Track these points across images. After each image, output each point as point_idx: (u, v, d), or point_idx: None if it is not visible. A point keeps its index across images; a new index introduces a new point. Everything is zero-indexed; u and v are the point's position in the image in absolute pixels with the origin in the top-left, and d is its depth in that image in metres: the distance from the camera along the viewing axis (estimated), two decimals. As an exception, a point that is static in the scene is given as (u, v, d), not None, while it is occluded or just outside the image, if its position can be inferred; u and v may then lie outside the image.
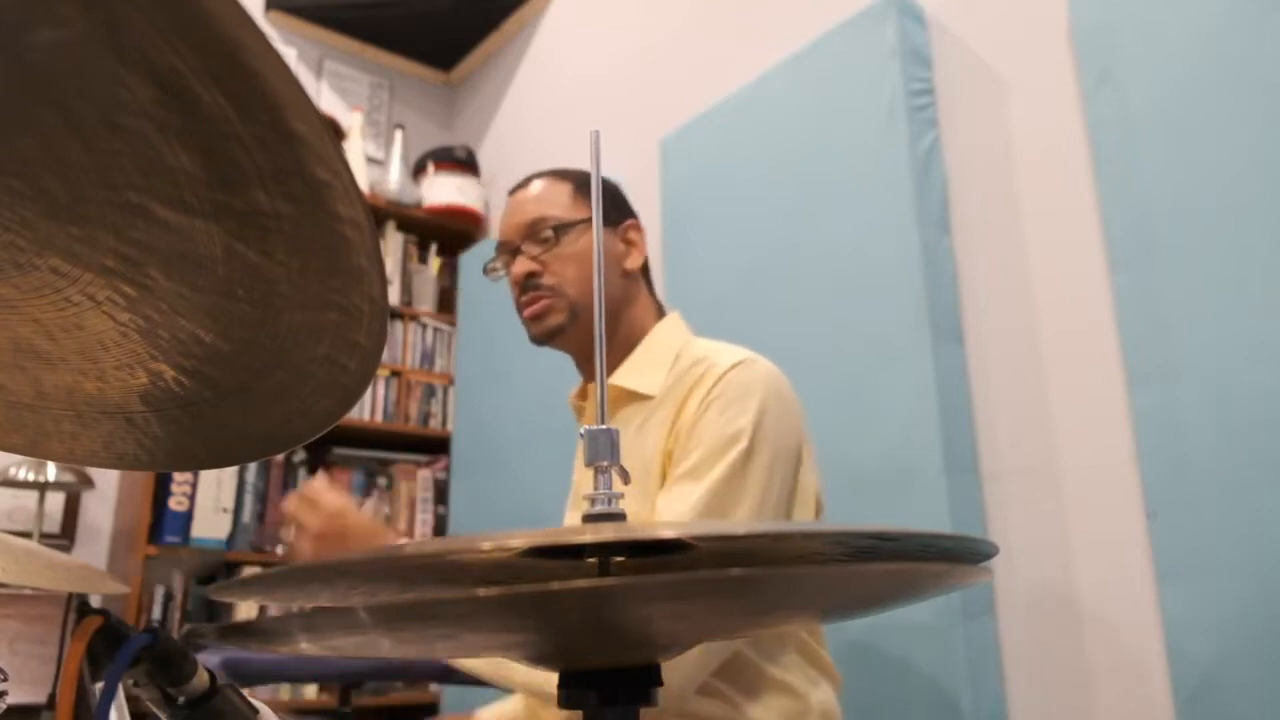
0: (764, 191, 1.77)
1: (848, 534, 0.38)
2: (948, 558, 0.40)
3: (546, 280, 1.14)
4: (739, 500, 0.97)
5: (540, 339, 1.17)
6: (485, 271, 1.24)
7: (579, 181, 1.19)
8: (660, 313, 1.21)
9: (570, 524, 1.24)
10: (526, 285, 1.15)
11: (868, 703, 1.38)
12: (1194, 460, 1.15)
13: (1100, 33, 1.34)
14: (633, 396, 1.11)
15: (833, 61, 1.68)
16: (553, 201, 1.16)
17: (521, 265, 1.15)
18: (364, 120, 2.93)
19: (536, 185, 1.19)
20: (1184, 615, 1.14)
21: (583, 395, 1.21)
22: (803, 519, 1.08)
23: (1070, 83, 1.40)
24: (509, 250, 1.18)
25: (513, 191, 1.21)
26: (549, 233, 1.14)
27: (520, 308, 1.17)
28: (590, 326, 1.15)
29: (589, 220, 1.15)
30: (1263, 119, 1.15)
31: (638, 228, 1.21)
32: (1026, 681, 1.32)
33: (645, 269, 1.22)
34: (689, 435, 1.01)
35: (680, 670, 0.91)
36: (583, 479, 1.22)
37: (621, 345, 1.16)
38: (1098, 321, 1.31)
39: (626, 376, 1.12)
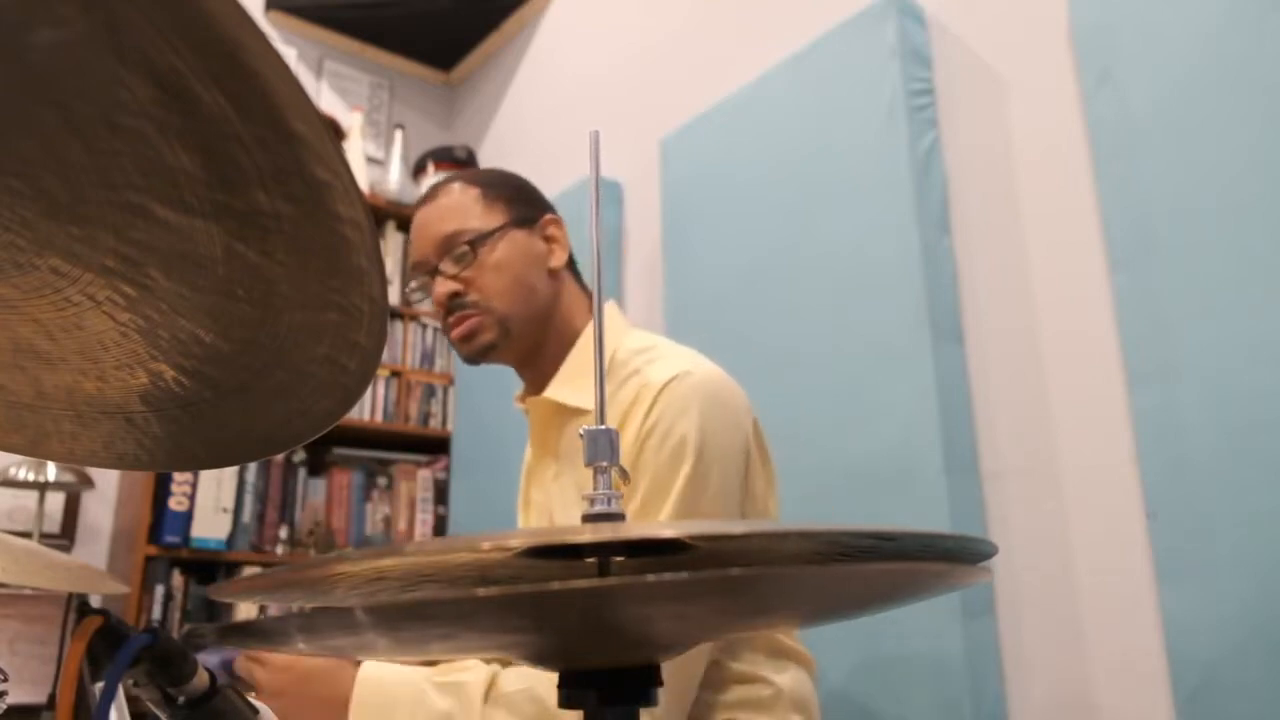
0: (764, 191, 1.77)
1: (848, 534, 0.38)
2: (948, 558, 0.40)
3: (470, 297, 1.09)
4: (695, 515, 0.95)
5: (472, 359, 1.12)
6: (405, 295, 1.20)
7: (487, 184, 1.14)
8: (591, 305, 1.17)
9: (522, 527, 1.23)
10: (451, 306, 1.10)
11: (868, 702, 1.38)
12: (1194, 460, 1.15)
13: (1100, 33, 1.34)
14: (570, 410, 1.07)
15: (833, 61, 1.68)
16: (464, 212, 1.11)
17: (443, 286, 1.10)
18: (364, 120, 2.93)
19: (443, 198, 1.13)
20: (1184, 615, 1.14)
21: (523, 399, 1.17)
22: (757, 517, 1.06)
23: (1070, 83, 1.40)
24: (426, 270, 1.12)
25: (419, 205, 1.15)
26: (464, 248, 1.09)
27: (446, 329, 1.13)
28: (524, 336, 1.11)
29: (504, 227, 1.10)
30: (1263, 119, 1.15)
31: (558, 222, 1.16)
32: (1026, 681, 1.32)
33: (571, 261, 1.17)
34: (631, 471, 0.97)
35: (670, 689, 0.91)
36: (530, 482, 1.18)
37: (556, 349, 1.12)
38: (1098, 321, 1.31)
39: (561, 389, 1.09)
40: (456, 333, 1.11)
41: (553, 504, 1.10)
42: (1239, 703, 1.07)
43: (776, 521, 1.08)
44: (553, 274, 1.13)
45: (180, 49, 0.28)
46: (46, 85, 0.30)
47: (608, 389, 1.03)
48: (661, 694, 0.90)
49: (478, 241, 1.09)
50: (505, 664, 0.98)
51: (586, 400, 1.05)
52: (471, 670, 0.95)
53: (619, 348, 1.08)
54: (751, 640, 1.04)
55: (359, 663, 0.99)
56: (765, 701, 1.01)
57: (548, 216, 1.16)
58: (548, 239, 1.15)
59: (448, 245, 1.10)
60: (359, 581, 0.45)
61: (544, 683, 0.91)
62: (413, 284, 1.16)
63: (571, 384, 1.09)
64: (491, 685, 0.93)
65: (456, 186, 1.14)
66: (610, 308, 1.15)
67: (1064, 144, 1.39)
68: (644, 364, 1.04)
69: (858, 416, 1.49)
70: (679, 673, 0.94)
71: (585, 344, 1.11)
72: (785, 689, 1.02)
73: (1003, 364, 1.44)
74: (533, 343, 1.12)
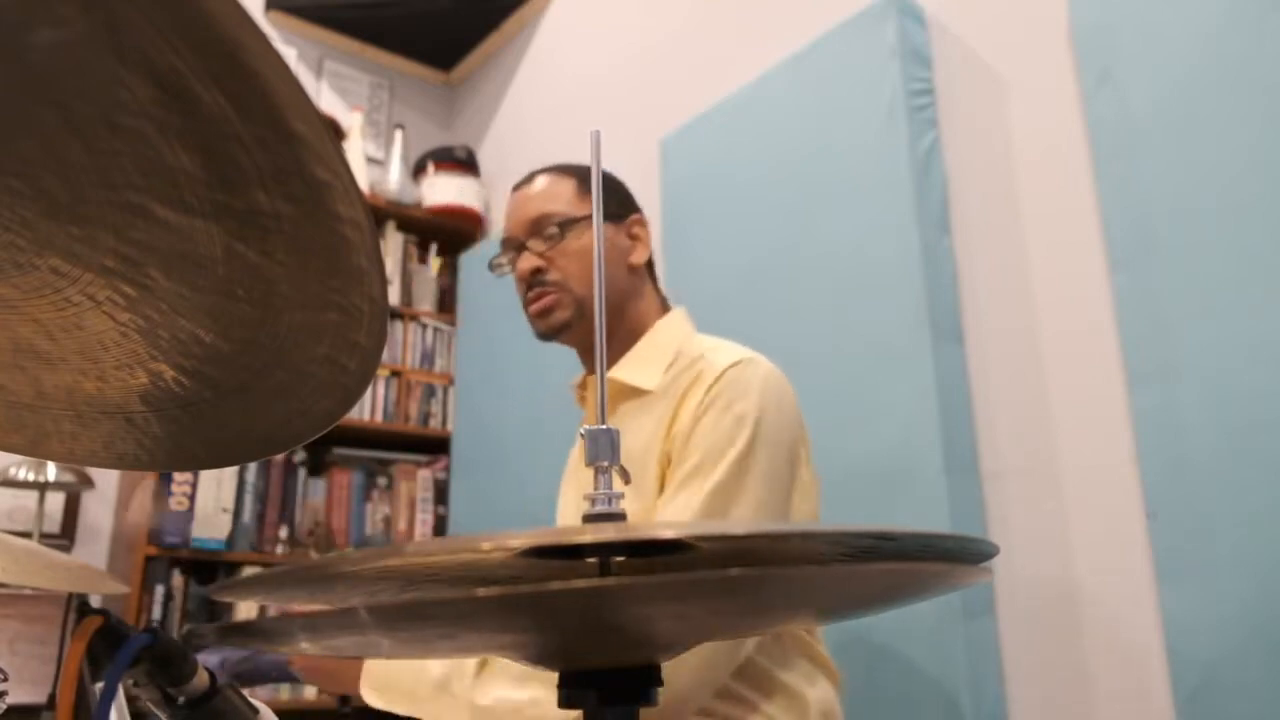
0: (764, 191, 1.77)
1: (848, 534, 0.38)
2: (948, 558, 0.40)
3: (552, 276, 1.14)
4: (738, 500, 0.97)
5: (546, 334, 1.17)
6: (490, 267, 1.24)
7: (583, 177, 1.19)
8: (665, 308, 1.22)
9: (563, 508, 1.25)
10: (532, 281, 1.15)
11: (868, 702, 1.38)
12: (1194, 460, 1.15)
13: (1100, 33, 1.34)
14: (630, 391, 1.11)
15: (833, 61, 1.68)
16: (557, 197, 1.17)
17: (527, 261, 1.16)
18: (364, 120, 2.93)
19: (541, 181, 1.19)
20: (1184, 615, 1.14)
21: (584, 385, 1.21)
22: (803, 517, 1.08)
23: (1070, 83, 1.40)
24: (514, 246, 1.18)
25: (517, 187, 1.22)
26: (554, 229, 1.14)
27: (526, 303, 1.18)
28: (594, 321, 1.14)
29: (592, 216, 1.14)
30: (1263, 119, 1.15)
31: (643, 223, 1.22)
32: (1026, 681, 1.32)
33: (650, 264, 1.22)
34: (687, 439, 1.01)
35: (684, 674, 0.91)
36: (578, 466, 1.22)
37: (624, 340, 1.16)
38: (1098, 321, 1.31)
39: (624, 370, 1.13)
40: (535, 307, 1.16)
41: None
42: (1239, 703, 1.07)
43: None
44: (632, 270, 1.18)
45: (180, 49, 0.28)
46: (46, 85, 0.30)
47: (670, 375, 1.09)
48: (682, 673, 0.90)
49: (566, 225, 1.14)
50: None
51: (648, 381, 1.10)
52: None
53: (685, 344, 1.13)
54: (792, 648, 1.06)
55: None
56: (796, 710, 1.03)
57: (635, 216, 1.21)
58: (632, 236, 1.20)
59: (538, 225, 1.16)
60: (359, 581, 0.45)
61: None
62: (500, 258, 1.21)
63: (635, 368, 1.13)
64: (485, 660, 0.97)
65: (554, 174, 1.20)
66: (682, 313, 1.21)
67: (1064, 144, 1.39)
68: (709, 352, 1.08)
69: (858, 416, 1.49)
70: (711, 658, 0.95)
71: (653, 337, 1.16)
72: (813, 701, 1.04)
73: (1003, 364, 1.44)
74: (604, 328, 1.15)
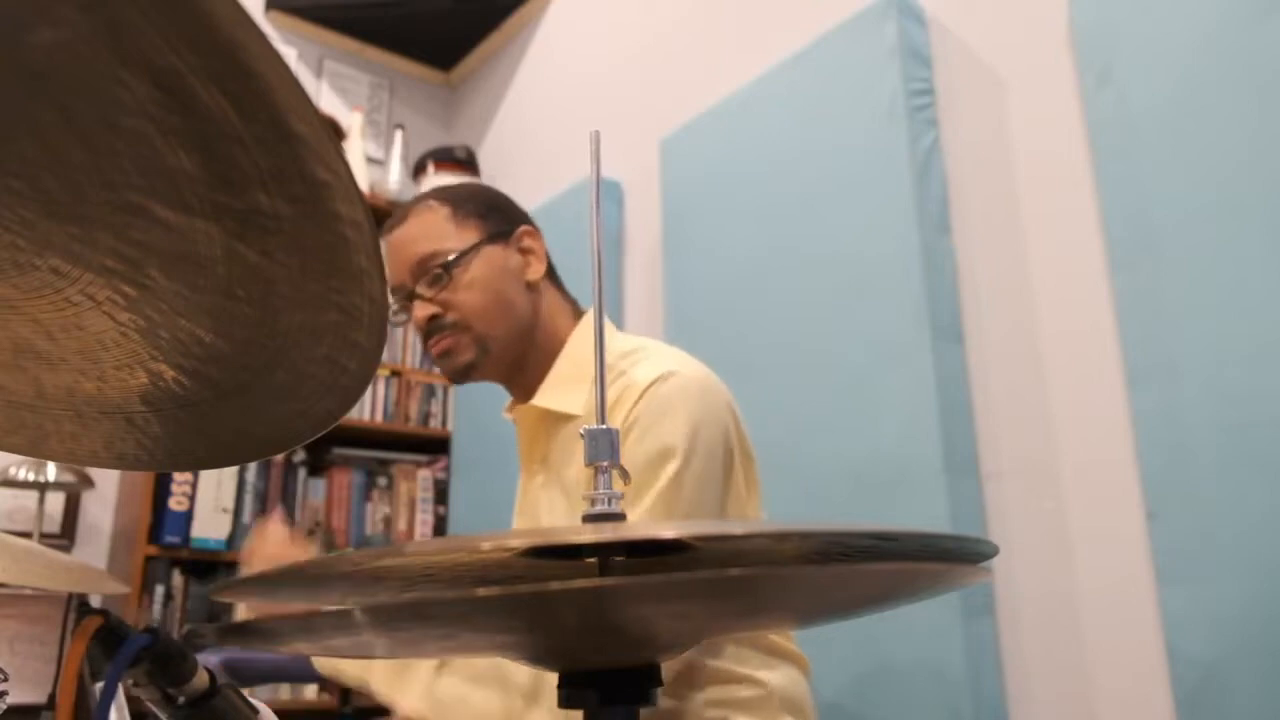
0: (764, 191, 1.77)
1: (848, 534, 0.38)
2: (948, 558, 0.40)
3: (450, 318, 1.09)
4: (674, 516, 0.94)
5: (455, 378, 1.13)
6: (389, 320, 1.20)
7: (457, 201, 1.13)
8: (576, 311, 1.17)
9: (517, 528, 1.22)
10: (430, 329, 1.11)
11: (868, 702, 1.38)
12: (1194, 460, 1.15)
13: (1100, 33, 1.34)
14: (559, 417, 1.07)
15: (833, 61, 1.68)
16: (436, 234, 1.10)
17: (421, 310, 1.10)
18: (364, 120, 2.93)
19: (414, 220, 1.13)
20: (1184, 615, 1.14)
21: (513, 410, 1.16)
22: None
23: (1070, 83, 1.40)
24: (404, 295, 1.12)
25: (389, 229, 1.15)
26: (439, 271, 1.09)
27: (427, 349, 1.13)
28: (505, 352, 1.11)
29: (478, 245, 1.10)
30: (1262, 119, 1.15)
31: (533, 233, 1.15)
32: (1026, 681, 1.32)
33: (550, 271, 1.16)
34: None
35: None
36: (527, 487, 1.17)
37: (542, 361, 1.12)
38: (1098, 321, 1.31)
39: (547, 396, 1.08)
40: (435, 351, 1.12)
41: (539, 510, 1.10)
42: (1239, 702, 1.07)
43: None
44: (531, 286, 1.13)
45: (180, 49, 0.28)
46: (46, 85, 0.30)
47: (593, 394, 1.03)
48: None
49: (452, 264, 1.09)
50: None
51: (573, 405, 1.05)
52: None
53: (607, 353, 1.08)
54: (751, 645, 1.04)
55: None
56: (753, 701, 1.00)
57: (523, 229, 1.14)
58: (524, 251, 1.14)
59: (422, 268, 1.10)
60: (359, 581, 0.45)
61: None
62: (393, 307, 1.15)
63: (558, 390, 1.08)
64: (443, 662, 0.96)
65: (426, 206, 1.13)
66: (591, 315, 1.14)
67: (1064, 144, 1.39)
68: (629, 366, 1.03)
69: (858, 416, 1.49)
70: None
71: (570, 352, 1.10)
72: (776, 688, 1.01)
73: (1003, 364, 1.44)
74: (515, 357, 1.12)
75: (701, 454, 0.96)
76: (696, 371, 1.02)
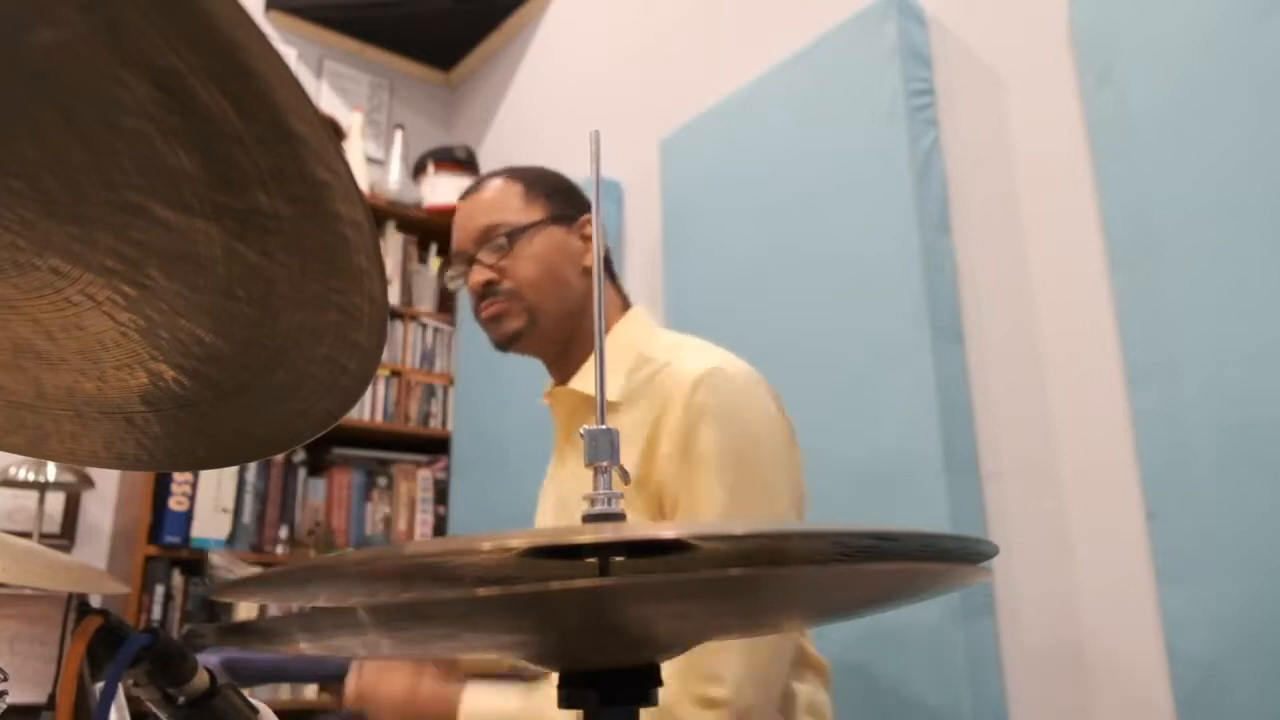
0: (764, 191, 1.77)
1: (848, 534, 0.38)
2: (948, 558, 0.40)
3: (504, 286, 1.13)
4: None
5: (500, 343, 1.16)
6: (444, 281, 1.23)
7: (530, 181, 1.17)
8: (625, 305, 1.19)
9: (542, 518, 1.23)
10: (484, 294, 1.14)
11: (868, 702, 1.38)
12: (1194, 460, 1.15)
13: (1100, 33, 1.34)
14: (592, 401, 1.09)
15: (833, 61, 1.68)
16: (504, 206, 1.14)
17: (478, 274, 1.14)
18: (364, 120, 2.93)
19: (486, 191, 1.17)
20: (1184, 615, 1.14)
21: (553, 395, 1.18)
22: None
23: (1070, 83, 1.40)
24: (464, 260, 1.16)
25: (463, 197, 1.19)
26: (502, 240, 1.12)
27: (476, 314, 1.16)
28: (552, 329, 1.13)
29: (542, 222, 1.13)
30: (1262, 119, 1.15)
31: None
32: (1026, 681, 1.32)
33: (607, 262, 1.20)
34: (689, 472, 0.97)
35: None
36: (557, 474, 1.19)
37: (585, 345, 1.14)
38: (1098, 321, 1.31)
39: (584, 381, 1.11)
40: (485, 314, 1.15)
41: (570, 496, 1.12)
42: (1239, 703, 1.07)
43: (769, 521, 1.08)
44: (586, 271, 1.16)
45: (180, 49, 0.28)
46: (46, 85, 0.30)
47: (635, 381, 1.06)
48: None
49: (515, 234, 1.12)
50: None
51: (612, 391, 1.07)
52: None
53: (646, 346, 1.10)
54: None
55: (462, 681, 1.00)
56: (783, 708, 1.02)
57: (586, 216, 1.18)
58: (585, 238, 1.17)
59: (486, 236, 1.14)
60: (359, 581, 0.45)
61: None
62: (450, 272, 1.19)
63: (594, 376, 1.09)
64: None
65: (499, 181, 1.18)
66: (641, 310, 1.18)
67: (1064, 144, 1.39)
68: (675, 359, 1.05)
69: (858, 416, 1.49)
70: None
71: (612, 341, 1.13)
72: (803, 698, 1.03)
73: (1003, 364, 1.44)
74: (562, 337, 1.15)
75: (765, 439, 1.00)
76: (738, 368, 1.05)
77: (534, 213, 1.14)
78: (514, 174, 1.18)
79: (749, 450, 0.97)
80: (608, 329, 1.14)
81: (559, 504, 1.15)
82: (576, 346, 1.14)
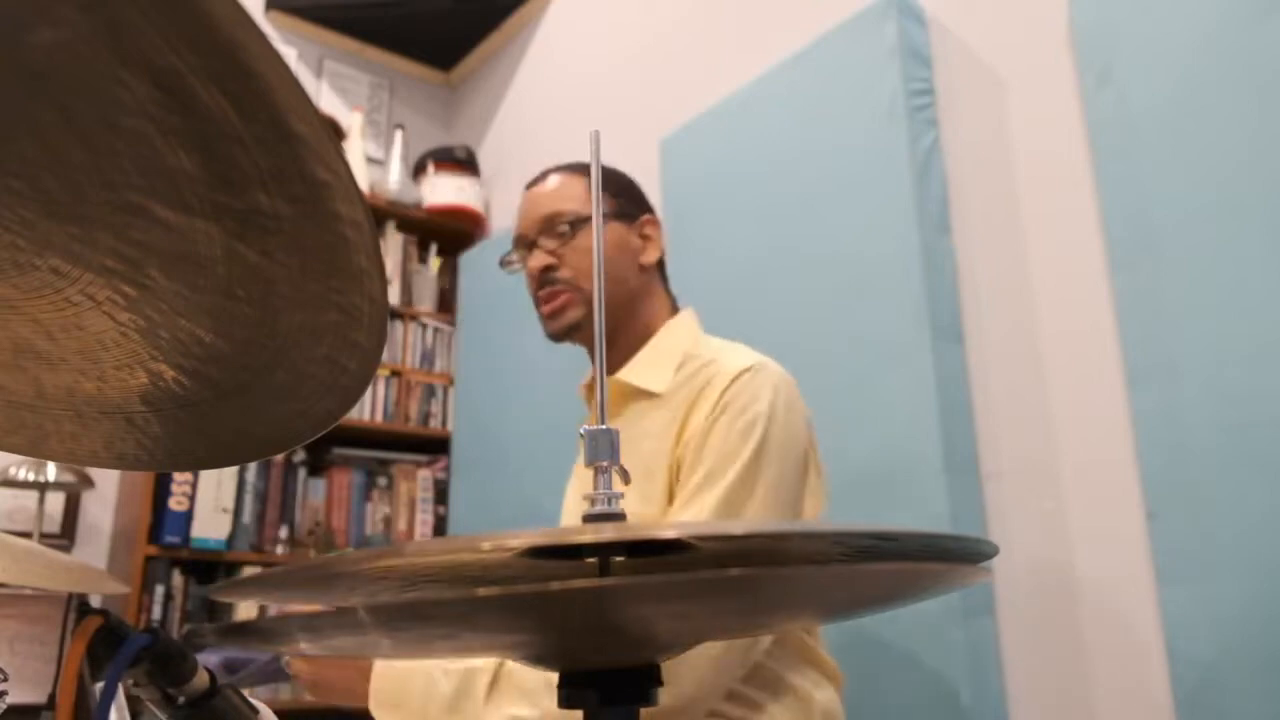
0: (764, 191, 1.77)
1: (848, 534, 0.38)
2: (948, 558, 0.40)
3: (563, 274, 1.15)
4: (747, 507, 0.97)
5: (558, 335, 1.17)
6: (501, 264, 1.24)
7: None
8: (674, 309, 1.22)
9: (567, 508, 1.25)
10: (543, 280, 1.16)
11: (868, 702, 1.38)
12: (1194, 460, 1.15)
13: (1100, 33, 1.34)
14: (639, 393, 1.11)
15: (833, 61, 1.68)
16: (569, 196, 1.17)
17: (538, 259, 1.16)
18: (364, 120, 2.93)
19: (553, 180, 1.20)
20: (1184, 615, 1.14)
21: (591, 386, 1.21)
22: (810, 518, 1.09)
23: (1070, 83, 1.40)
24: (525, 244, 1.19)
25: (530, 186, 1.22)
26: (565, 227, 1.15)
27: (537, 302, 1.18)
28: (606, 320, 1.14)
29: (606, 216, 1.15)
30: (1262, 119, 1.15)
31: (655, 223, 1.22)
32: (1026, 681, 1.32)
33: (661, 265, 1.22)
34: (699, 448, 1.00)
35: (690, 676, 0.91)
36: (578, 477, 1.22)
37: (633, 340, 1.16)
38: (1098, 321, 1.31)
39: (633, 372, 1.13)
40: (548, 308, 1.16)
41: None
42: (1239, 703, 1.07)
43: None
44: (643, 269, 1.18)
45: (180, 49, 0.28)
46: (46, 85, 0.30)
47: (679, 378, 1.09)
48: (690, 674, 0.89)
49: (577, 222, 1.15)
50: None
51: (657, 383, 1.09)
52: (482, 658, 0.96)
53: (694, 345, 1.13)
54: (797, 652, 1.06)
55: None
56: (801, 712, 1.03)
57: (647, 216, 1.21)
58: (644, 237, 1.20)
59: (549, 223, 1.16)
60: (359, 581, 0.45)
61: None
62: (511, 255, 1.22)
63: (643, 370, 1.12)
64: (500, 666, 0.95)
65: (567, 173, 1.20)
66: (690, 314, 1.21)
67: (1064, 144, 1.39)
68: (718, 355, 1.08)
69: (858, 416, 1.49)
70: (721, 659, 0.94)
71: (662, 339, 1.15)
72: (818, 703, 1.04)
73: (1003, 364, 1.44)
74: (612, 329, 1.16)
75: (784, 440, 1.01)
76: (781, 370, 1.08)
77: (603, 205, 1.15)
78: (582, 168, 1.20)
79: (750, 431, 0.99)
80: (654, 328, 1.17)
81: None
82: (621, 340, 1.16)
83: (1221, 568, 1.11)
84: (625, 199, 1.20)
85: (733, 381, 1.02)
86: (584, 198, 1.17)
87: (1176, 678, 1.13)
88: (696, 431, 1.01)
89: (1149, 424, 1.21)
